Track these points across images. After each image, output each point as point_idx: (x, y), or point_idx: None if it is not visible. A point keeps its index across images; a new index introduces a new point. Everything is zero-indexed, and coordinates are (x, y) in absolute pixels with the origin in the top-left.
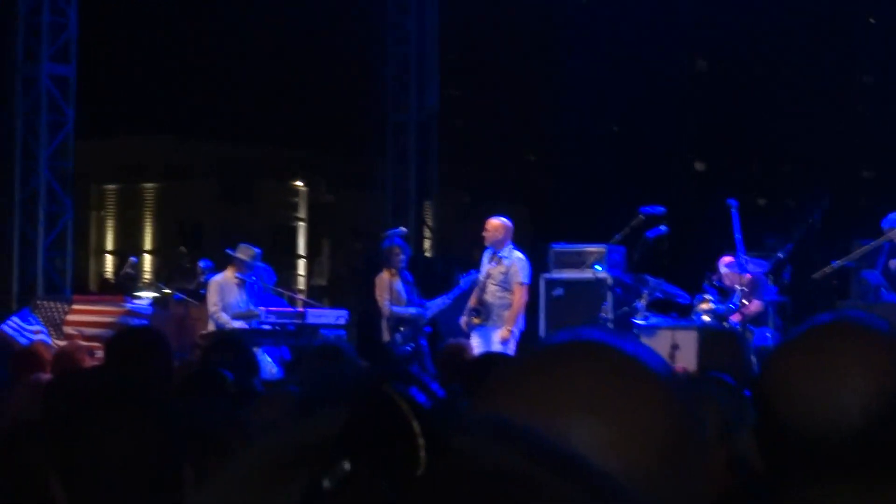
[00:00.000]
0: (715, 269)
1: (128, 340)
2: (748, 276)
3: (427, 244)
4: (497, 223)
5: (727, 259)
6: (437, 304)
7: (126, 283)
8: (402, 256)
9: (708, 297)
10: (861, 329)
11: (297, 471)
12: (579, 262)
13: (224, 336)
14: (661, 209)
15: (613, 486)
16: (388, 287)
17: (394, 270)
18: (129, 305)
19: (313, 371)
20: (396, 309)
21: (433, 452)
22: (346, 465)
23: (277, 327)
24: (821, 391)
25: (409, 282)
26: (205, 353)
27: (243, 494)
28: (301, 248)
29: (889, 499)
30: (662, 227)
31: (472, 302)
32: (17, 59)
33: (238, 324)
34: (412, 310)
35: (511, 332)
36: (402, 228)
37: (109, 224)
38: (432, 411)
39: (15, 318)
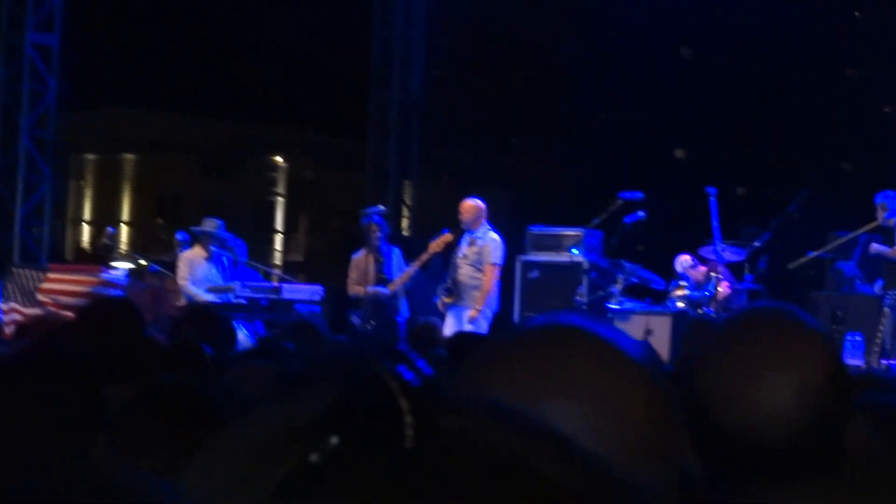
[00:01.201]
0: (694, 257)
1: (100, 310)
2: (704, 267)
3: (405, 223)
4: (470, 204)
5: (683, 257)
6: (409, 276)
7: (103, 253)
8: (378, 234)
9: (683, 283)
10: (779, 322)
11: (287, 447)
12: (556, 245)
13: (199, 309)
14: (639, 195)
15: (601, 465)
16: (356, 267)
17: (369, 250)
18: (104, 275)
19: (287, 347)
20: (358, 290)
21: (422, 431)
22: (334, 441)
23: (252, 302)
24: (743, 390)
25: (384, 259)
26: (178, 326)
27: (233, 472)
28: (279, 223)
29: (855, 492)
30: (640, 213)
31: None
32: (0, 28)
33: (210, 297)
34: (370, 289)
35: (480, 311)
36: (381, 207)
37: (88, 194)
38: (420, 390)
39: None
